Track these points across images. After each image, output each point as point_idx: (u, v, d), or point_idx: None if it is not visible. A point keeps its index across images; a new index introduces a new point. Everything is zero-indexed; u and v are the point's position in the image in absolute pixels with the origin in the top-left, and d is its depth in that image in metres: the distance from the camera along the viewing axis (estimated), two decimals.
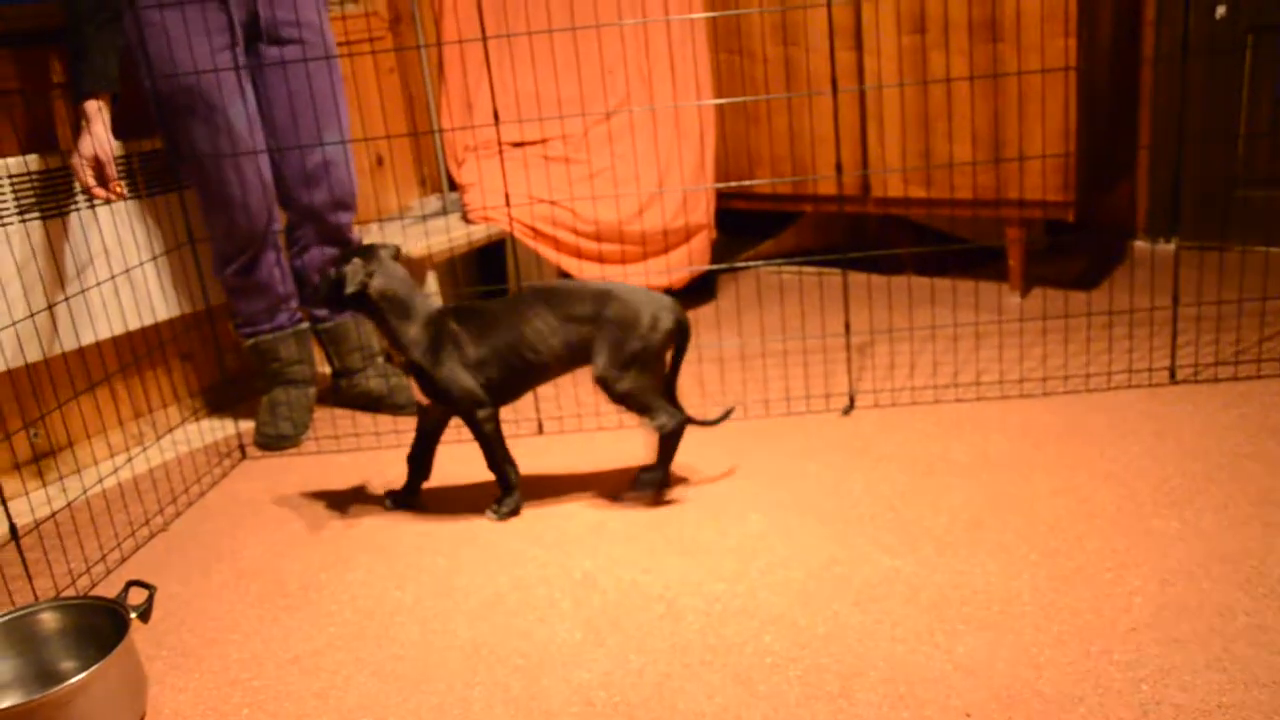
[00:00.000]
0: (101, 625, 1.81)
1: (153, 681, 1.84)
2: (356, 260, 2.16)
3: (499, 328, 2.19)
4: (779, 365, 2.91)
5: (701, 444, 2.51)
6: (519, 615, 1.92)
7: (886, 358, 2.89)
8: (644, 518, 2.22)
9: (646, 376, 2.17)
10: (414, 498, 2.40)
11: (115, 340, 2.76)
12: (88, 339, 2.63)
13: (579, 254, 3.28)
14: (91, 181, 2.43)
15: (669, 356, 2.23)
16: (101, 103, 2.42)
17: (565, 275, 3.33)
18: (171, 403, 2.96)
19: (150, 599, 1.80)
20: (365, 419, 2.90)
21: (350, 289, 2.14)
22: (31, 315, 2.37)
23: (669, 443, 2.24)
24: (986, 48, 3.11)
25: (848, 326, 2.61)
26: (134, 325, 2.73)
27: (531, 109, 3.39)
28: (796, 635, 1.77)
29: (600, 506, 2.28)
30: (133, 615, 1.76)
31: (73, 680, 1.60)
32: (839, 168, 2.50)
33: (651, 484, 2.26)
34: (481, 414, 2.21)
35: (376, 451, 2.69)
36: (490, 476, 2.40)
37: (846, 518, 2.13)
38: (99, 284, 2.62)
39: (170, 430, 2.87)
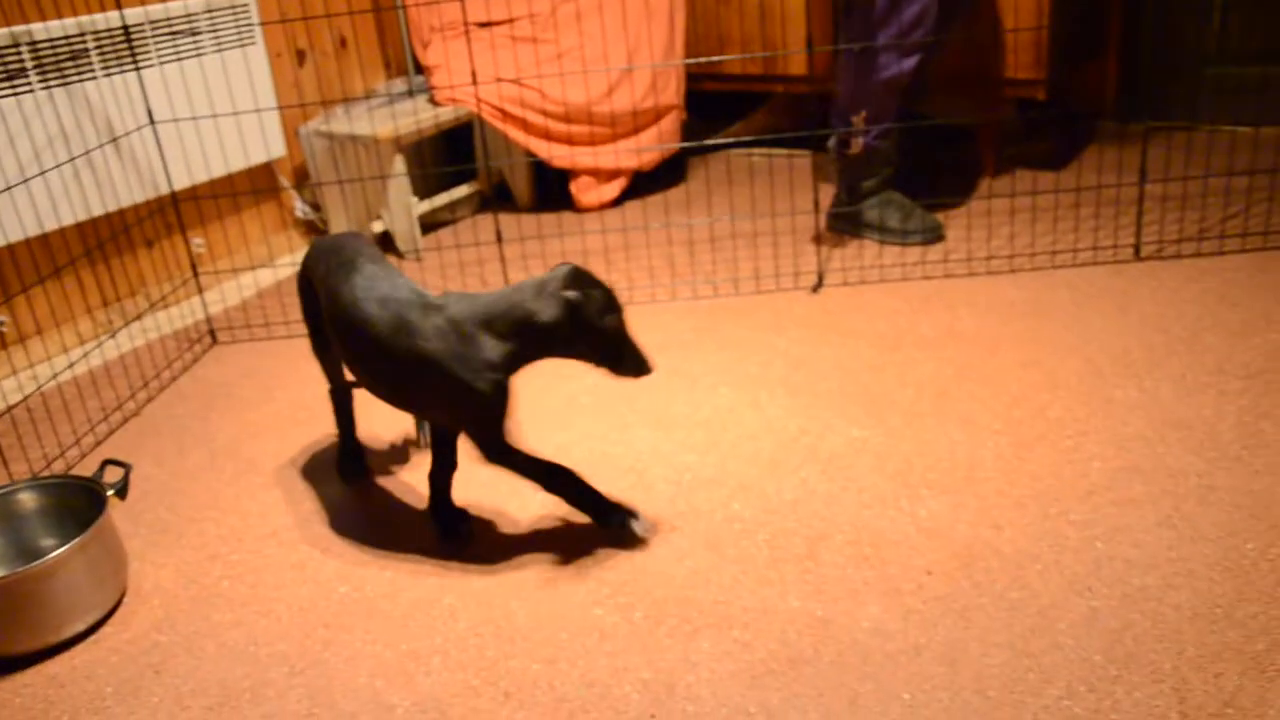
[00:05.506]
0: (79, 504, 1.82)
1: (132, 558, 1.87)
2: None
3: None
4: (749, 245, 2.92)
5: (674, 319, 2.53)
6: (491, 487, 1.95)
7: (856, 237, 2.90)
8: (615, 392, 2.24)
9: None
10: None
11: (80, 226, 2.73)
12: (50, 225, 2.60)
13: (548, 135, 3.25)
14: None
15: None
16: None
17: (532, 156, 3.30)
18: (139, 291, 2.94)
19: (126, 476, 1.82)
20: None
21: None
22: None
23: None
24: None
25: (817, 205, 2.61)
26: (96, 211, 2.70)
27: None
28: (765, 502, 1.81)
29: (570, 381, 2.30)
30: (110, 493, 1.78)
31: (52, 555, 1.62)
32: (810, 43, 2.47)
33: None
34: None
35: None
36: None
37: (815, 391, 2.16)
38: (57, 166, 2.58)
39: (138, 317, 2.85)
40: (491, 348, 1.61)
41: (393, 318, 1.65)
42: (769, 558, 1.67)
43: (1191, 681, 1.34)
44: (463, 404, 1.63)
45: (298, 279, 1.93)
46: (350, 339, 1.71)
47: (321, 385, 2.43)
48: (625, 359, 1.65)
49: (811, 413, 2.08)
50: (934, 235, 2.85)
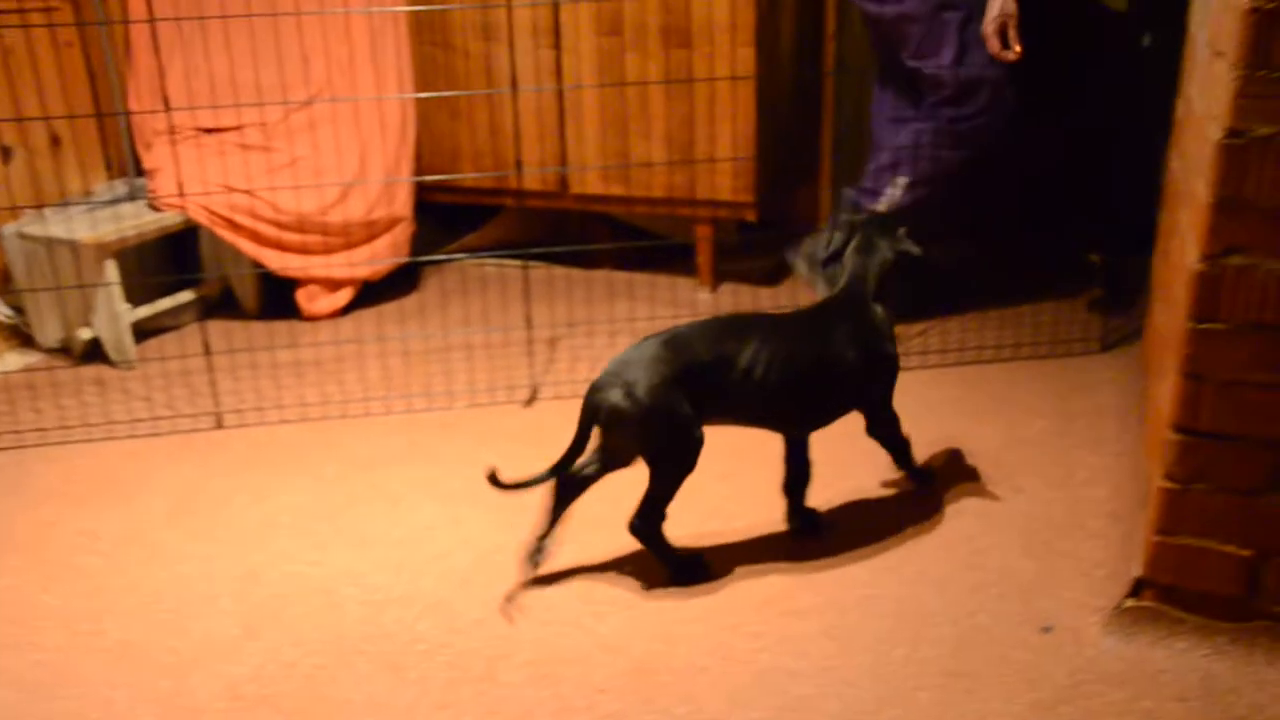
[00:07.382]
0: None
1: None
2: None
3: None
4: (465, 358, 2.94)
5: (386, 434, 2.52)
6: (175, 613, 1.88)
7: (573, 351, 2.97)
8: (319, 511, 2.21)
9: None
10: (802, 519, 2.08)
11: None
12: None
13: (260, 240, 3.21)
14: (996, 45, 2.64)
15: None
16: None
17: (257, 265, 3.24)
18: None
19: None
20: (30, 413, 2.73)
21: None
22: None
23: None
24: (678, 53, 3.25)
25: (529, 320, 2.68)
26: None
27: (226, 94, 3.29)
28: (451, 621, 1.82)
29: (272, 500, 2.25)
30: None
31: None
32: (519, 164, 2.57)
33: None
34: None
35: (42, 448, 2.55)
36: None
37: (518, 506, 2.18)
38: None
39: None
40: (883, 315, 1.97)
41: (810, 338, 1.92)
42: (448, 679, 1.67)
43: None
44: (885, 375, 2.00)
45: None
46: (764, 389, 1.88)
47: (48, 504, 2.29)
48: None
49: (511, 527, 2.10)
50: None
